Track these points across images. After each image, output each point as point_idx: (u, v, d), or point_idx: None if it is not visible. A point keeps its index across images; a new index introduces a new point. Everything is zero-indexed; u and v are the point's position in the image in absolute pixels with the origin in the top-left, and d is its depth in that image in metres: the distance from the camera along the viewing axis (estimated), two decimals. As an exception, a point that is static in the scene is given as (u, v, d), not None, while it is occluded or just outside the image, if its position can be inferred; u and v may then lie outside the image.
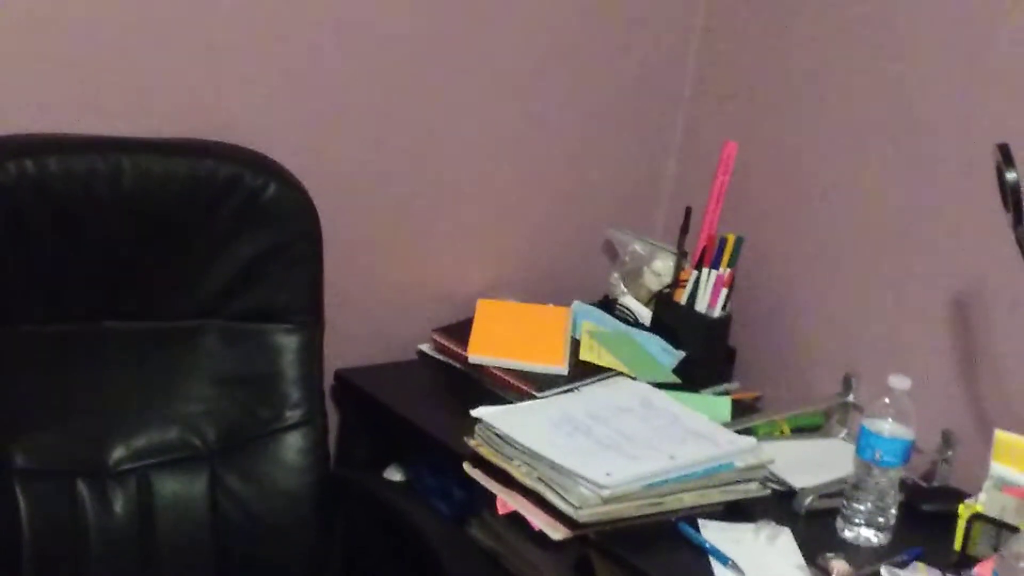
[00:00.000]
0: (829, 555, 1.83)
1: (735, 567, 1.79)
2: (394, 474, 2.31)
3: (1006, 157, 1.69)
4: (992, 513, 1.86)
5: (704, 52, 2.61)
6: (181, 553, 1.98)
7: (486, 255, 2.52)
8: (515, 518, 1.90)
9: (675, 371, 2.35)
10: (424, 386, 2.33)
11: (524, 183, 2.53)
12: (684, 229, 2.46)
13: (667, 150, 2.67)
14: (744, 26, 2.53)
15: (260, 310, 2.06)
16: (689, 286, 2.42)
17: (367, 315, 2.35)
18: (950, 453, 2.08)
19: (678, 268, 2.46)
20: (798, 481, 2.02)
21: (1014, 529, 1.81)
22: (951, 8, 2.16)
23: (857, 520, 1.93)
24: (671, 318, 2.44)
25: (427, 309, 2.41)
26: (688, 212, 2.46)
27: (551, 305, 2.46)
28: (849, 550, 1.88)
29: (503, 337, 2.32)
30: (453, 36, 2.34)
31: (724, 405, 2.27)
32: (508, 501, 1.91)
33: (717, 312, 2.40)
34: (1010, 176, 1.69)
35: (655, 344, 2.40)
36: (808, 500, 1.98)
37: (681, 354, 2.39)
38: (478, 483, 1.96)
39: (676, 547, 1.86)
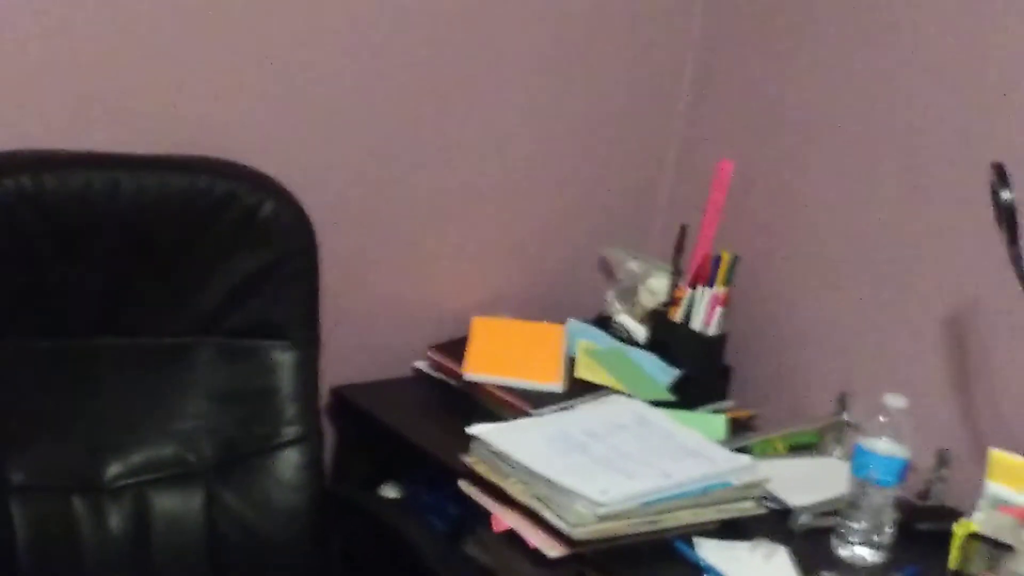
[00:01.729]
0: (825, 573, 1.84)
1: (731, 585, 1.79)
2: (390, 491, 2.30)
3: (1001, 177, 1.70)
4: (987, 532, 1.86)
5: (700, 70, 2.61)
6: (176, 569, 1.97)
7: (482, 273, 2.52)
8: (511, 535, 1.90)
9: (671, 389, 2.35)
10: (420, 403, 2.32)
11: (520, 201, 2.53)
12: (679, 247, 2.47)
13: (663, 168, 2.67)
14: (740, 44, 2.54)
15: (256, 326, 2.06)
16: (684, 304, 2.42)
17: (363, 332, 2.35)
18: (945, 472, 2.08)
19: (673, 286, 2.46)
20: (794, 499, 2.02)
21: (1009, 548, 1.81)
22: (949, 26, 2.17)
23: (852, 538, 1.93)
24: (667, 336, 2.44)
25: (423, 326, 2.41)
26: (683, 230, 2.47)
27: (547, 323, 2.46)
28: (845, 568, 1.89)
29: (499, 354, 2.32)
30: (449, 56, 2.34)
31: (720, 423, 2.26)
32: (504, 518, 1.91)
33: (712, 330, 2.40)
34: (1005, 196, 1.69)
35: (651, 362, 2.40)
36: (804, 518, 1.98)
37: (677, 372, 2.39)
38: (474, 500, 1.97)
39: (672, 565, 1.86)
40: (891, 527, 1.94)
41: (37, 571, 1.87)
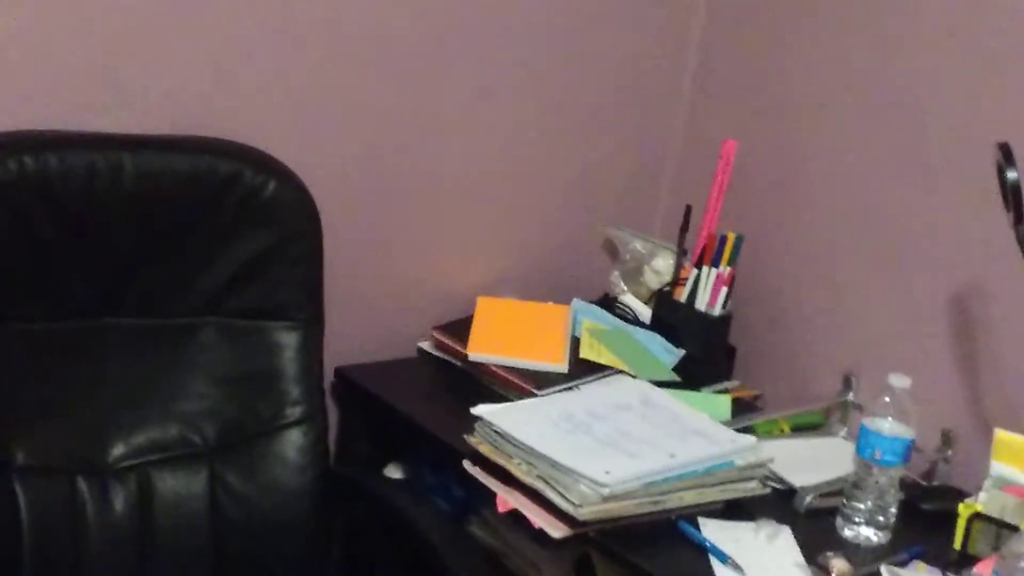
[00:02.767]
0: (829, 554, 1.83)
1: (735, 565, 1.79)
2: (394, 472, 2.30)
3: (1007, 156, 1.69)
4: (992, 512, 1.86)
5: (704, 50, 2.61)
6: (180, 550, 1.98)
7: (486, 253, 2.52)
8: (515, 516, 1.90)
9: (675, 369, 2.35)
10: (424, 384, 2.33)
11: (524, 181, 2.52)
12: (684, 227, 2.46)
13: (667, 148, 2.67)
14: (744, 24, 2.53)
15: (260, 307, 2.06)
16: (689, 284, 2.42)
17: (367, 312, 2.35)
18: (950, 452, 2.08)
19: (678, 266, 2.46)
20: (798, 480, 2.01)
21: (1014, 528, 1.81)
22: (951, 7, 2.16)
23: (857, 519, 1.93)
24: (671, 316, 2.44)
25: (427, 306, 2.41)
26: (688, 210, 2.47)
27: (551, 303, 2.46)
28: (849, 549, 1.88)
29: (503, 335, 2.32)
30: (453, 35, 2.34)
31: (724, 403, 2.27)
32: (508, 499, 1.91)
33: (717, 310, 2.40)
34: (1011, 175, 1.68)
35: (655, 342, 2.40)
36: (808, 499, 1.98)
37: (681, 352, 2.39)
38: (478, 481, 1.96)
39: (676, 545, 1.85)
40: (895, 507, 1.93)
41: (41, 551, 1.88)
